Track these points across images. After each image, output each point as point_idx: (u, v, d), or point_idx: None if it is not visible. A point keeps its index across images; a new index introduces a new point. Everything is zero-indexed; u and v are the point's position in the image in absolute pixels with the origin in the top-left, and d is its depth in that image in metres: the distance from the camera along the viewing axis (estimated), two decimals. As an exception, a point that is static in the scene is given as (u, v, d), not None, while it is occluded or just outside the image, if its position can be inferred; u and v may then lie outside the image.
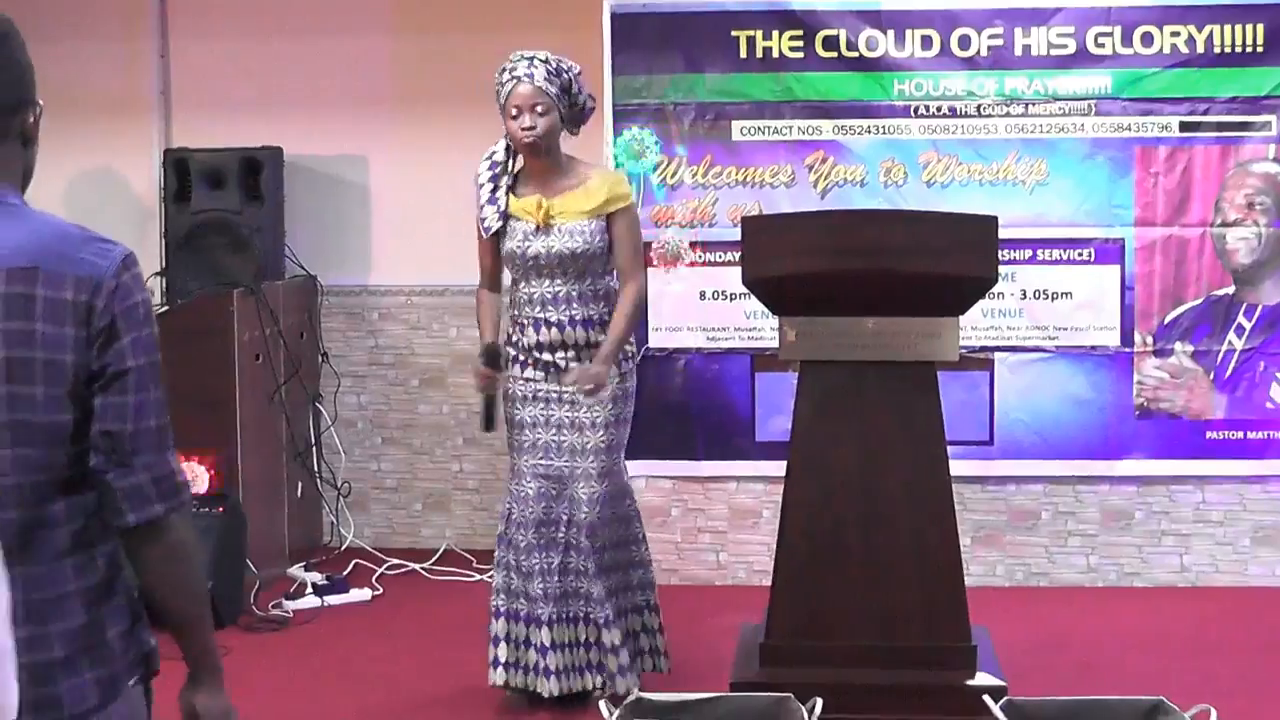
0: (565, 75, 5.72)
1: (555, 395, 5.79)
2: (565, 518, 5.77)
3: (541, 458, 5.79)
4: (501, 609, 5.85)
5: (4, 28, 2.72)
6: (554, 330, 5.75)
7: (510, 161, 5.85)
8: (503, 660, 5.84)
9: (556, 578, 5.76)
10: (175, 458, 2.77)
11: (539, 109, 5.67)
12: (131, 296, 2.69)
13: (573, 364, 5.75)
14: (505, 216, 5.80)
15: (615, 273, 5.85)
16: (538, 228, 5.74)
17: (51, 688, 2.65)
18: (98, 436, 2.66)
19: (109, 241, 2.74)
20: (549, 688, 5.74)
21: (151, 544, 2.72)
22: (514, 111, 5.68)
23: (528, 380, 5.82)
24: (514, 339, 5.85)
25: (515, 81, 5.68)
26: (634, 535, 5.93)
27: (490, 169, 5.84)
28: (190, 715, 2.87)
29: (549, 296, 5.76)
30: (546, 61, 5.71)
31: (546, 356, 5.78)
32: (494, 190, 5.82)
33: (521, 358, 5.83)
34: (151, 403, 2.71)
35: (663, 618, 6.00)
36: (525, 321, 5.80)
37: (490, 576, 6.02)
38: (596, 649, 5.79)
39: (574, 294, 5.76)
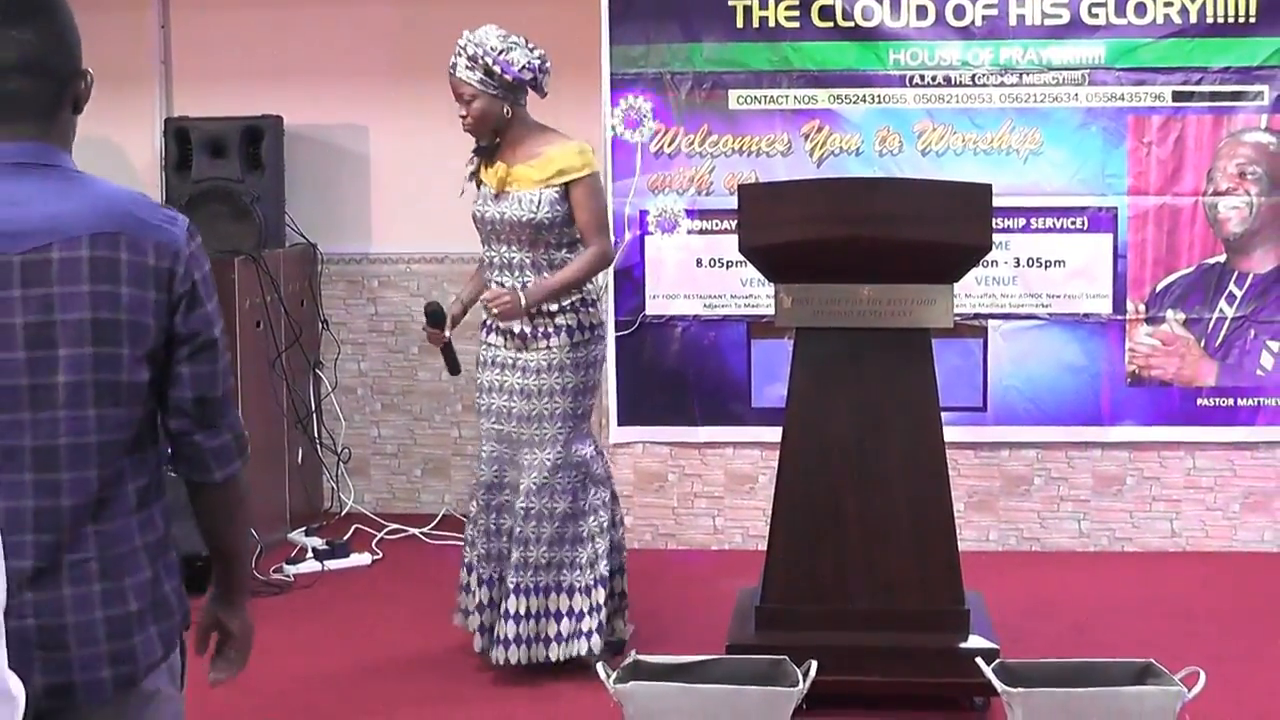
0: (484, 60, 5.72)
1: (511, 361, 5.86)
2: (516, 483, 5.85)
3: (495, 422, 5.90)
4: (464, 558, 6.05)
5: None
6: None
7: None
8: (460, 606, 6.04)
9: (504, 539, 5.89)
10: (239, 414, 2.92)
11: (465, 97, 5.78)
12: (204, 264, 2.81)
13: (525, 328, 5.81)
14: (475, 178, 5.94)
15: (572, 246, 5.85)
16: (496, 194, 5.83)
17: (127, 641, 2.74)
18: (190, 403, 2.79)
19: (168, 207, 2.83)
20: (480, 643, 5.93)
21: (231, 496, 2.91)
22: (456, 100, 5.83)
23: (488, 345, 5.93)
24: (482, 302, 5.93)
25: (449, 72, 5.80)
26: (580, 508, 5.86)
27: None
28: (209, 627, 3.06)
29: (503, 262, 5.85)
30: (464, 47, 5.76)
31: (502, 320, 5.84)
32: (475, 154, 5.95)
33: (487, 320, 5.91)
34: (228, 367, 2.87)
35: (628, 588, 6.03)
36: (487, 286, 5.91)
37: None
38: (494, 611, 5.90)
39: (527, 261, 5.81)
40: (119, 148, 8.21)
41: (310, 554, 7.34)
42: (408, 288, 8.16)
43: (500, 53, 5.74)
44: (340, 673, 6.03)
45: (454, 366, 5.98)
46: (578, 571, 5.84)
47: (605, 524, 5.89)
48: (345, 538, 7.61)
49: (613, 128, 7.35)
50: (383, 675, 5.99)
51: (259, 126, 7.70)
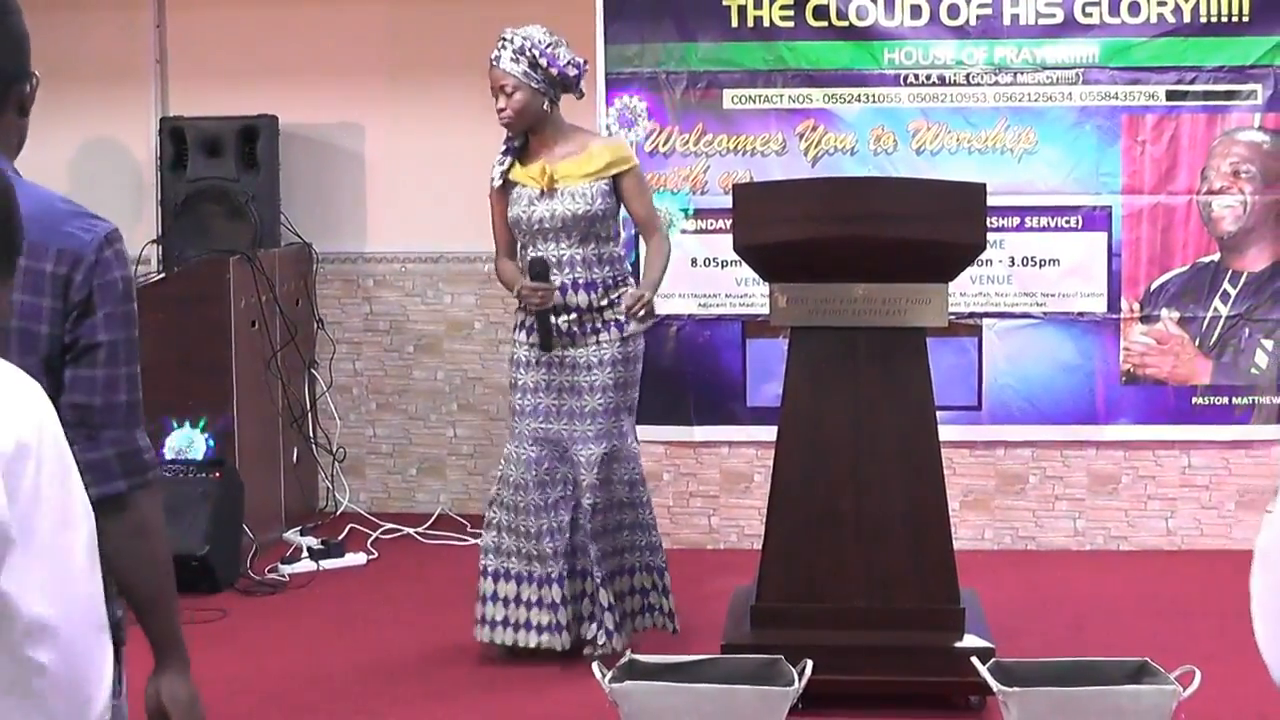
0: (531, 52, 5.76)
1: (556, 360, 5.85)
2: (571, 477, 5.86)
3: (541, 421, 5.87)
4: (489, 569, 5.94)
5: None
6: (556, 294, 5.79)
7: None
8: (489, 619, 5.93)
9: (568, 535, 5.85)
10: (144, 435, 2.71)
11: (507, 89, 5.79)
12: (110, 272, 2.65)
13: (574, 327, 5.80)
14: (506, 179, 5.90)
15: (617, 239, 5.94)
16: (542, 192, 5.82)
17: None
18: (66, 409, 2.59)
19: (96, 217, 2.70)
20: (560, 642, 5.84)
21: (113, 520, 2.61)
22: (494, 94, 5.81)
23: (530, 345, 5.88)
24: (520, 302, 5.91)
25: (490, 65, 5.81)
26: (637, 499, 5.95)
27: (506, 140, 5.96)
28: (154, 703, 2.77)
29: (552, 260, 5.82)
30: (512, 40, 5.79)
31: (536, 337, 5.86)
32: (504, 153, 5.94)
33: (524, 322, 5.89)
34: (122, 378, 2.66)
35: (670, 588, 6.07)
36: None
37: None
38: (593, 603, 5.86)
39: (578, 257, 5.81)
40: (114, 147, 8.20)
41: (305, 553, 7.33)
42: (403, 287, 8.15)
43: (548, 46, 5.80)
44: (335, 672, 6.02)
45: (548, 339, 5.80)
46: (639, 554, 5.96)
47: (654, 515, 6.04)
48: (340, 537, 7.59)
49: (607, 127, 7.34)
50: (378, 675, 5.98)
51: (254, 126, 7.70)
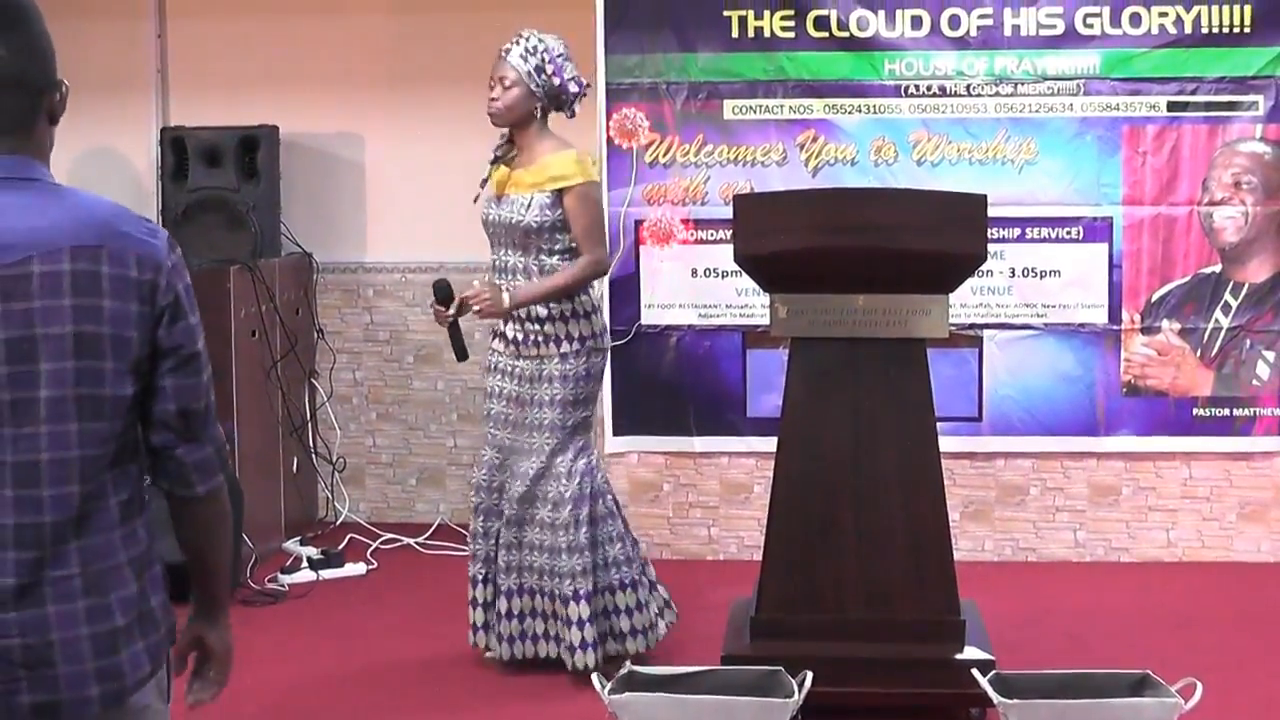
0: (541, 55, 5.79)
1: (510, 368, 5.90)
2: (507, 486, 5.91)
3: (494, 427, 5.96)
4: (475, 576, 6.04)
5: (29, 6, 2.76)
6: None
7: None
8: (476, 624, 6.03)
9: (492, 541, 5.95)
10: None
11: (505, 82, 5.80)
12: (186, 277, 2.79)
13: (517, 334, 5.84)
14: (485, 181, 5.98)
15: (568, 254, 5.86)
16: (497, 197, 5.89)
17: (114, 657, 2.72)
18: (173, 416, 2.77)
19: (148, 220, 2.82)
20: (501, 652, 5.94)
21: (208, 507, 2.88)
22: (490, 82, 5.84)
23: (493, 351, 5.98)
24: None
25: (499, 54, 5.83)
26: (556, 520, 5.83)
27: (500, 139, 6.00)
28: (189, 645, 3.02)
29: (502, 265, 5.90)
30: (527, 39, 5.81)
31: (499, 324, 5.93)
32: (492, 163, 5.97)
33: (494, 326, 6.00)
34: (210, 381, 2.85)
35: (612, 608, 5.98)
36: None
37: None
38: (552, 619, 5.89)
39: (519, 266, 5.85)
40: (115, 156, 8.20)
41: (305, 563, 7.33)
42: (403, 297, 8.14)
43: (559, 56, 5.83)
44: (335, 682, 6.01)
45: (460, 351, 5.89)
46: (555, 580, 5.84)
47: (577, 543, 5.81)
48: (340, 547, 7.59)
49: (608, 138, 7.34)
50: (377, 684, 5.97)
51: (255, 136, 7.69)
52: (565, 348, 5.83)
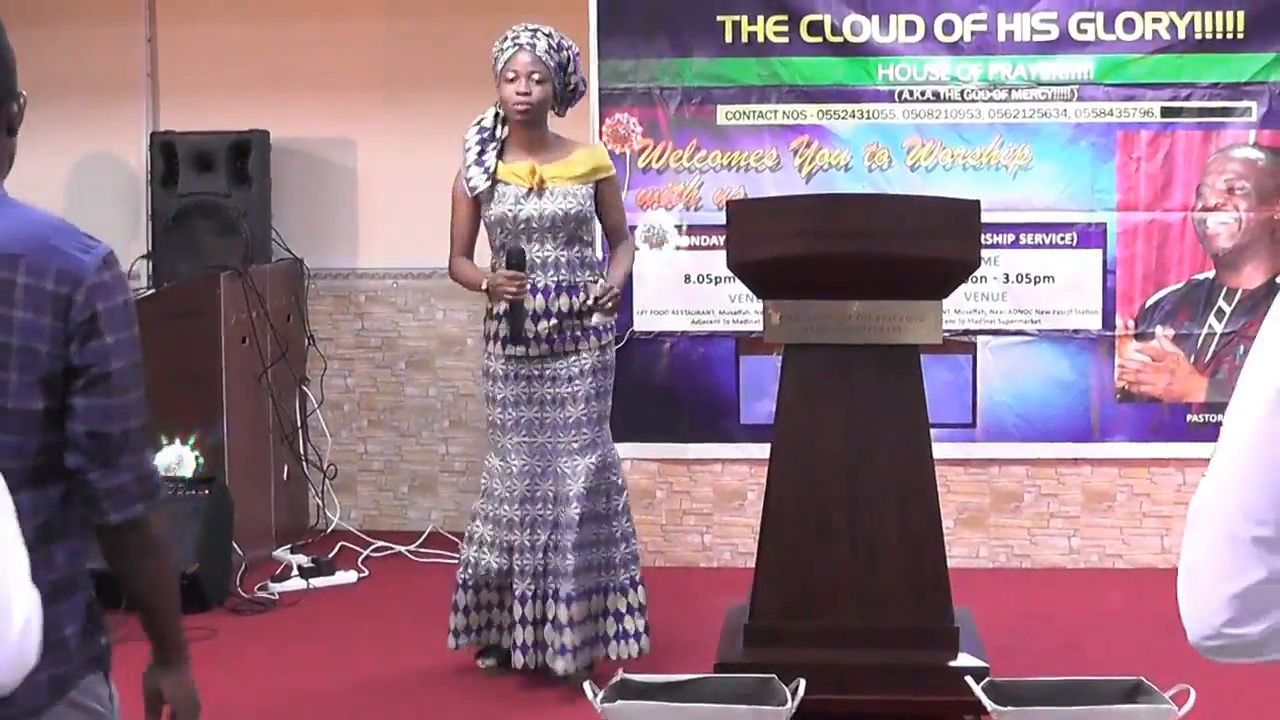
0: (565, 52, 5.84)
1: (537, 373, 5.83)
2: (551, 494, 5.82)
3: (525, 435, 5.84)
4: (468, 581, 5.96)
5: None
6: (539, 297, 5.77)
7: (497, 128, 5.91)
8: (461, 628, 5.98)
9: (541, 554, 5.81)
10: (153, 457, 2.80)
11: (535, 78, 5.76)
12: (114, 296, 2.68)
13: (554, 334, 5.78)
14: (493, 179, 5.84)
15: (593, 245, 5.93)
16: (529, 191, 5.80)
17: None
18: (82, 437, 2.67)
19: (92, 238, 2.72)
20: (521, 660, 5.84)
21: (130, 541, 2.75)
22: (510, 76, 5.78)
23: (509, 358, 5.85)
24: (494, 312, 5.87)
25: (517, 49, 5.78)
26: (615, 509, 5.92)
27: (479, 134, 5.91)
28: (155, 696, 2.92)
29: (537, 262, 5.80)
30: (550, 35, 5.83)
31: (529, 326, 5.79)
32: (481, 154, 5.87)
33: (500, 331, 5.85)
34: (134, 403, 2.71)
35: (647, 598, 6.01)
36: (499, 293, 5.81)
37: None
38: (553, 627, 5.81)
39: (562, 259, 5.80)
40: (105, 162, 8.19)
41: (295, 571, 7.32)
42: (395, 303, 8.14)
43: (578, 55, 5.89)
44: (326, 691, 6.01)
45: (519, 327, 5.75)
46: (614, 572, 5.90)
47: (629, 529, 5.96)
48: (331, 555, 7.58)
49: (601, 143, 7.35)
50: (369, 694, 5.97)
51: (246, 141, 7.69)
52: (605, 338, 5.89)
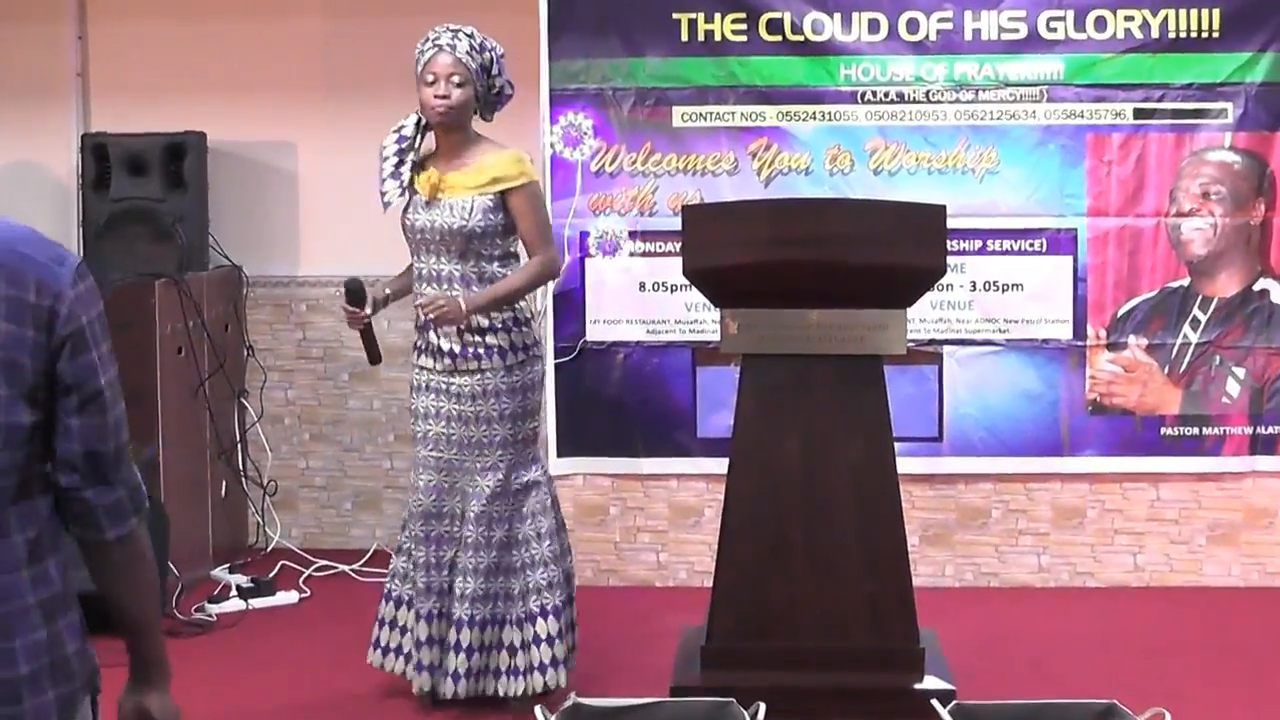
0: (488, 53, 5.78)
1: (444, 386, 5.81)
2: (458, 510, 5.82)
3: (433, 449, 5.84)
4: (392, 593, 6.00)
5: None
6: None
7: (419, 137, 5.88)
8: (382, 644, 6.00)
9: (445, 572, 5.82)
10: (135, 466, 2.80)
11: (455, 79, 5.72)
12: (93, 308, 2.70)
13: (454, 347, 5.76)
14: (409, 190, 5.83)
15: (506, 260, 5.84)
16: (427, 201, 5.79)
17: (16, 707, 2.63)
18: (79, 458, 2.68)
19: (55, 244, 2.73)
20: (420, 682, 5.84)
21: (122, 553, 2.78)
22: (430, 79, 5.74)
23: (421, 369, 5.87)
24: (416, 320, 5.89)
25: (437, 50, 5.74)
26: (521, 536, 5.84)
27: (397, 142, 5.85)
28: (138, 715, 2.91)
29: (434, 274, 5.79)
30: (471, 36, 5.77)
31: (432, 339, 5.80)
32: (398, 164, 5.83)
33: (418, 342, 5.88)
34: (121, 417, 2.75)
35: (577, 619, 5.99)
36: (418, 297, 5.83)
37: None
38: (447, 649, 5.82)
39: (456, 274, 5.76)
40: (33, 165, 8.16)
41: (234, 592, 7.29)
42: (337, 312, 8.06)
43: (501, 56, 5.84)
44: (266, 716, 5.98)
45: (373, 354, 5.89)
46: (512, 603, 5.81)
47: (541, 556, 5.84)
48: (271, 575, 7.55)
49: (552, 145, 7.34)
50: (311, 719, 5.95)
51: (181, 143, 7.65)
52: (510, 359, 5.79)
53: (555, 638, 5.80)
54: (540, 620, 5.80)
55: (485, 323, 5.75)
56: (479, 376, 5.77)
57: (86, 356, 2.68)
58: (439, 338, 5.79)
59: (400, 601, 5.97)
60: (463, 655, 5.75)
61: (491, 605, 5.80)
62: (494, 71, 5.78)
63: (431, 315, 5.69)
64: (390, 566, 6.05)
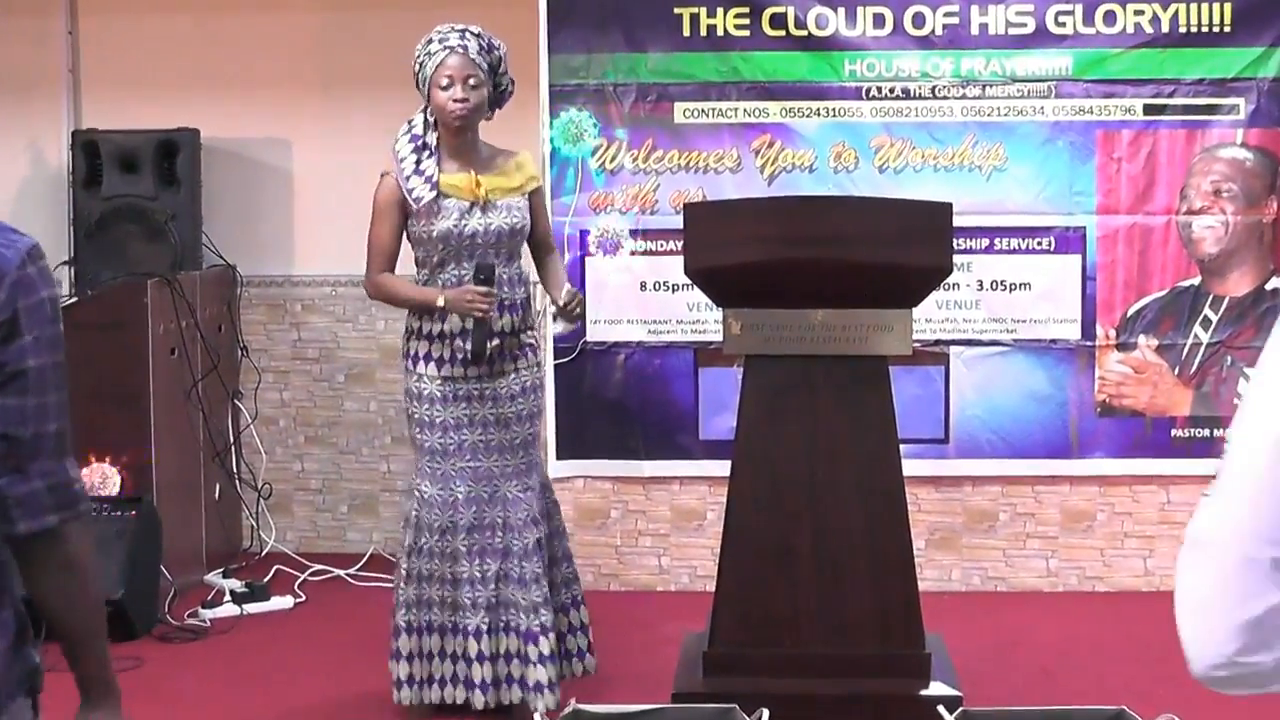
0: (495, 52, 5.80)
1: (478, 393, 5.79)
2: (500, 520, 5.77)
3: (470, 460, 5.77)
4: (411, 624, 5.84)
5: None
6: (491, 317, 5.73)
7: (428, 135, 5.83)
8: (412, 678, 5.84)
9: (493, 585, 5.75)
10: (74, 464, 2.71)
11: (471, 82, 5.71)
12: (36, 292, 2.63)
13: (494, 354, 5.77)
14: (437, 190, 5.76)
15: (523, 260, 5.92)
16: (473, 205, 5.75)
17: None
18: None
19: (15, 231, 2.68)
20: (482, 700, 5.74)
21: (44, 555, 2.66)
22: (444, 82, 5.70)
23: (445, 379, 5.79)
24: (426, 330, 5.81)
25: (448, 52, 5.71)
26: (557, 529, 5.98)
27: (411, 141, 5.81)
28: None
29: (457, 281, 5.76)
30: (479, 35, 5.77)
31: (460, 343, 5.76)
32: (419, 163, 5.79)
33: (436, 353, 5.80)
34: (52, 406, 2.65)
35: (592, 619, 6.06)
36: (442, 309, 5.78)
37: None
38: (519, 661, 5.74)
39: (504, 276, 5.76)
40: (23, 162, 8.18)
41: (228, 597, 7.31)
42: (333, 312, 8.14)
43: (506, 53, 5.85)
44: (260, 724, 6.01)
45: (481, 348, 5.70)
46: (559, 593, 5.92)
47: (569, 546, 6.05)
48: (266, 580, 7.57)
49: (551, 142, 7.36)
50: (306, 727, 5.98)
51: (174, 140, 7.67)
52: (535, 357, 5.91)
53: (588, 624, 6.01)
54: (574, 610, 5.97)
55: (521, 324, 5.83)
56: (514, 376, 5.82)
57: (18, 340, 2.60)
58: (473, 343, 5.69)
59: (426, 629, 5.82)
60: (549, 665, 5.71)
61: (556, 595, 5.88)
62: (501, 70, 5.81)
63: (578, 312, 5.84)
64: (398, 596, 5.87)
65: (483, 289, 5.67)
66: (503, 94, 5.88)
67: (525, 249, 5.93)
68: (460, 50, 5.71)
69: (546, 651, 5.72)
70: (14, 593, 2.71)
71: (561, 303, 5.76)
